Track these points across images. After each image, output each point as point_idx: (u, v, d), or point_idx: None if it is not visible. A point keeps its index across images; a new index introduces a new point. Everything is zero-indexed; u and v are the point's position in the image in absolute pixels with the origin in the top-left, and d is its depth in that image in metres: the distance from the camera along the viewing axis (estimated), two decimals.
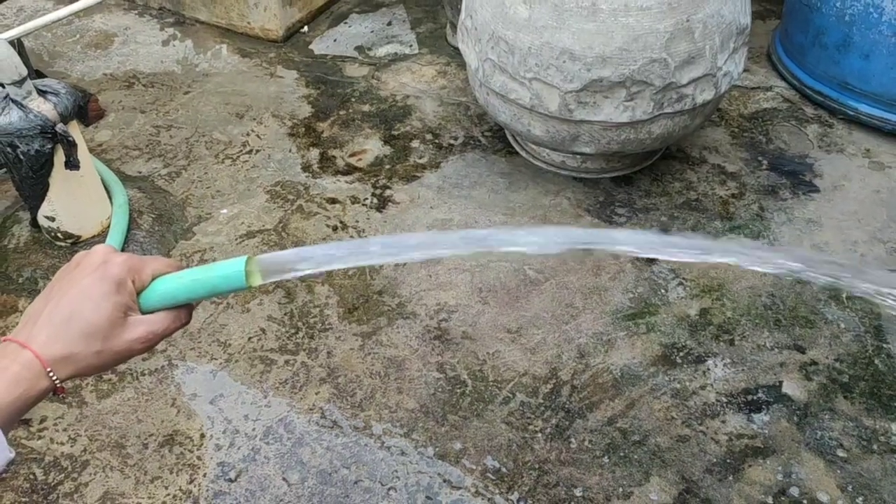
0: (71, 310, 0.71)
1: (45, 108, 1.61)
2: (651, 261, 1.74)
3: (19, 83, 1.59)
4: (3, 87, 1.60)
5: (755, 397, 1.47)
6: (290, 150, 2.10)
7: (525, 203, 1.91)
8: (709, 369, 1.53)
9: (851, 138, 2.03)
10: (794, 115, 2.12)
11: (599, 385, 1.51)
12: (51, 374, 0.69)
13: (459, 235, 0.77)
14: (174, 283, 0.77)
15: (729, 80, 1.76)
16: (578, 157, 1.94)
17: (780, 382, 1.50)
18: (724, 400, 1.47)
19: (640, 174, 1.97)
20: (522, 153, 2.05)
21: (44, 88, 1.64)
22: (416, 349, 1.59)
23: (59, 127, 1.62)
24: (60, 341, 0.70)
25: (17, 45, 2.13)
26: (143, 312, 0.76)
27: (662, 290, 1.68)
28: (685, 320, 1.62)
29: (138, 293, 0.76)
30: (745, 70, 2.25)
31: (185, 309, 0.78)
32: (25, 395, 0.68)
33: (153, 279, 0.77)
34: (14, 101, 1.60)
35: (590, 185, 1.95)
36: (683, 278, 1.70)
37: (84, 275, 0.74)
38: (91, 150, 1.93)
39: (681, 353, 1.56)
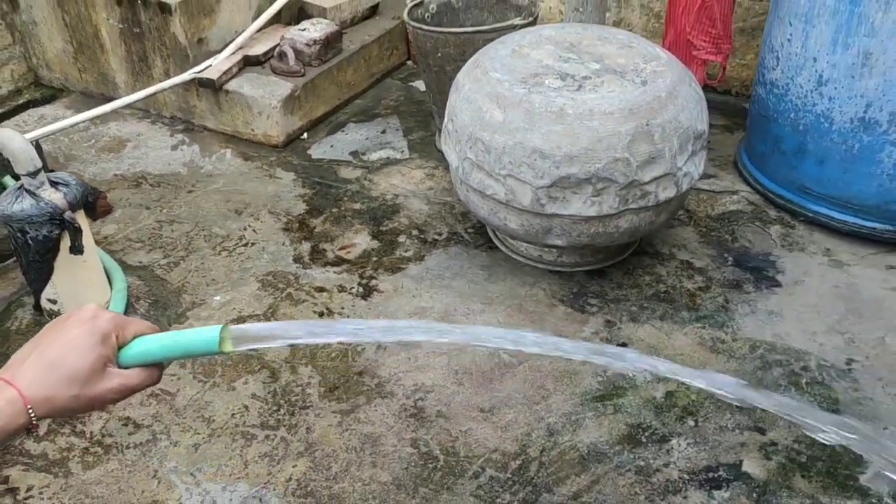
0: (57, 356, 0.79)
1: (55, 197, 1.75)
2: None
3: (34, 174, 1.74)
4: (19, 178, 1.75)
5: (716, 475, 1.52)
6: (283, 244, 2.23)
7: (502, 293, 2.01)
8: (672, 448, 1.58)
9: (812, 238, 2.16)
10: (759, 216, 2.25)
11: (566, 462, 1.56)
12: (30, 411, 0.76)
13: (407, 324, 0.89)
14: (154, 342, 0.85)
15: (689, 179, 1.90)
16: (554, 251, 2.06)
17: (741, 461, 1.55)
18: (686, 477, 1.52)
19: (612, 268, 2.08)
20: (502, 248, 2.17)
21: (55, 180, 1.79)
22: (391, 426, 1.65)
23: (68, 214, 1.75)
24: (43, 384, 0.77)
25: (36, 146, 2.30)
26: (121, 367, 0.84)
27: (631, 375, 1.76)
28: (651, 402, 1.69)
29: (119, 349, 0.84)
30: (712, 176, 2.42)
31: (157, 368, 0.86)
32: (4, 428, 0.75)
33: (134, 338, 0.85)
34: (27, 191, 1.74)
35: (565, 278, 2.06)
36: None
37: (74, 326, 0.82)
38: (97, 243, 2.05)
39: (646, 433, 1.62)
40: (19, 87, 3.07)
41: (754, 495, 1.48)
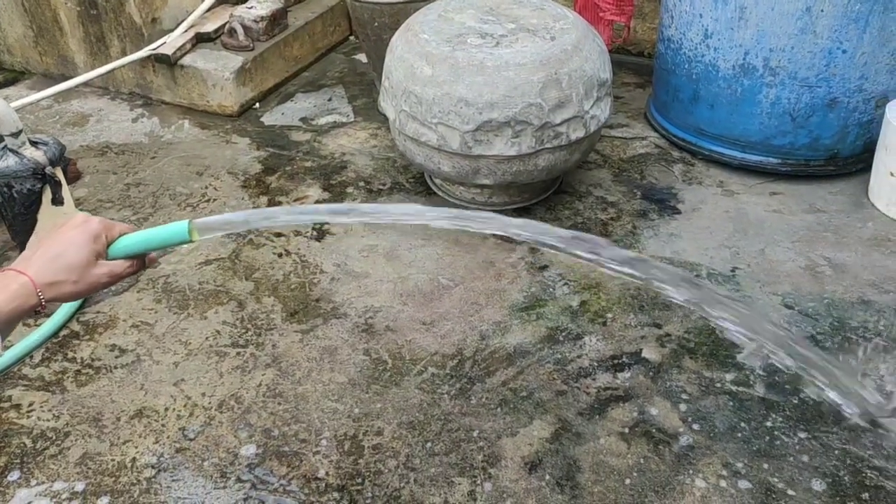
0: (59, 250, 0.99)
1: (36, 154, 1.96)
2: (543, 267, 2.11)
3: (16, 135, 1.95)
4: (3, 139, 1.96)
5: (620, 361, 1.82)
6: (242, 198, 2.47)
7: (440, 231, 2.28)
8: (585, 343, 1.88)
9: (709, 173, 2.47)
10: (664, 157, 2.56)
11: (496, 358, 1.85)
12: (39, 293, 0.96)
13: (325, 208, 1.15)
14: (135, 238, 1.07)
15: (597, 122, 2.18)
16: (485, 192, 2.34)
17: (641, 350, 1.85)
18: (596, 364, 1.82)
19: (537, 205, 2.37)
20: (439, 193, 2.44)
21: (35, 140, 2.00)
22: (346, 339, 1.92)
23: (48, 169, 1.97)
24: (49, 272, 0.98)
25: None
26: (110, 259, 1.05)
27: (551, 289, 2.05)
28: (568, 310, 1.98)
29: (108, 245, 1.06)
30: (625, 125, 2.72)
31: (139, 259, 1.08)
32: (20, 307, 0.95)
33: (120, 236, 1.07)
34: (11, 150, 1.95)
35: None
36: (568, 280, 2.07)
37: (70, 228, 1.03)
38: None
39: (563, 333, 1.91)
40: None
41: (650, 374, 1.78)
